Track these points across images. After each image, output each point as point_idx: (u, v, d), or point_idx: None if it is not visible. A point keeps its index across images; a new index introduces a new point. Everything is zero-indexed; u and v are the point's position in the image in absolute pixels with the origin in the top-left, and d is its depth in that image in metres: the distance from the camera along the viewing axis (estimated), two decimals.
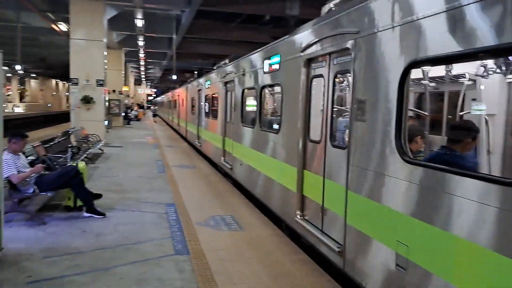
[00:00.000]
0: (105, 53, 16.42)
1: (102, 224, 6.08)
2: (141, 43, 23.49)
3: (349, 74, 4.34)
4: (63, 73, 38.90)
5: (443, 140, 4.25)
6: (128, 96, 37.01)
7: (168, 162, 12.51)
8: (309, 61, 5.28)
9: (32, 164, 6.56)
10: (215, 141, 11.93)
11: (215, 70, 13.11)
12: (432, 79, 4.64)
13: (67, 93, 56.96)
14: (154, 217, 6.51)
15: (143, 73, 46.14)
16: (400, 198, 3.31)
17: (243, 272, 4.52)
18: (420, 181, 3.09)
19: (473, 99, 4.44)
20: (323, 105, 4.88)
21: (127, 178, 9.76)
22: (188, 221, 6.35)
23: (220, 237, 5.70)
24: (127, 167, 11.31)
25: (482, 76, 4.22)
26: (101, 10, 15.85)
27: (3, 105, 5.48)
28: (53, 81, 65.04)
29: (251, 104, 8.47)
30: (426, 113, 4.46)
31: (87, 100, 15.45)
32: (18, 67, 27.15)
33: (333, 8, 5.12)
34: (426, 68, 4.11)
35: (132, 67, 40.48)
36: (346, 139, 4.27)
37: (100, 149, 13.96)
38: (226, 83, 10.62)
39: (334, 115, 4.77)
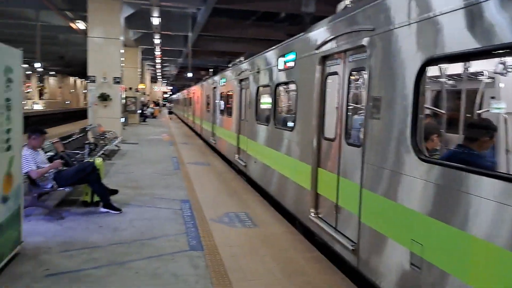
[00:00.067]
0: (122, 51, 16.61)
1: (118, 219, 6.18)
2: (157, 41, 23.69)
3: (364, 72, 4.31)
4: (81, 71, 39.66)
5: (459, 138, 4.18)
6: (144, 93, 37.38)
7: (183, 159, 12.60)
8: (324, 59, 5.25)
9: (50, 160, 6.68)
10: (229, 138, 11.97)
11: (230, 68, 13.14)
12: (449, 76, 4.57)
13: (85, 91, 57.76)
14: (169, 213, 6.58)
15: (159, 71, 46.48)
16: (415, 197, 3.27)
17: (257, 269, 4.54)
18: (436, 180, 3.05)
19: (492, 97, 4.36)
20: (338, 102, 4.86)
21: (142, 174, 9.87)
22: (203, 217, 6.41)
23: (234, 233, 5.73)
24: (143, 164, 11.44)
25: (501, 74, 4.13)
26: (118, 8, 16.03)
27: (23, 102, 5.60)
28: (71, 79, 66.13)
29: (265, 101, 8.47)
30: (443, 111, 4.40)
31: (104, 98, 15.66)
32: (37, 64, 27.76)
33: (348, 5, 5.08)
34: (443, 65, 4.06)
35: (148, 64, 40.80)
36: (361, 137, 4.24)
37: (116, 145, 14.16)
38: (240, 81, 10.64)
39: (349, 113, 4.74)
